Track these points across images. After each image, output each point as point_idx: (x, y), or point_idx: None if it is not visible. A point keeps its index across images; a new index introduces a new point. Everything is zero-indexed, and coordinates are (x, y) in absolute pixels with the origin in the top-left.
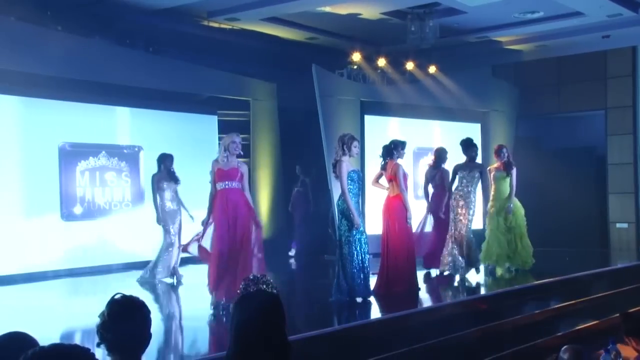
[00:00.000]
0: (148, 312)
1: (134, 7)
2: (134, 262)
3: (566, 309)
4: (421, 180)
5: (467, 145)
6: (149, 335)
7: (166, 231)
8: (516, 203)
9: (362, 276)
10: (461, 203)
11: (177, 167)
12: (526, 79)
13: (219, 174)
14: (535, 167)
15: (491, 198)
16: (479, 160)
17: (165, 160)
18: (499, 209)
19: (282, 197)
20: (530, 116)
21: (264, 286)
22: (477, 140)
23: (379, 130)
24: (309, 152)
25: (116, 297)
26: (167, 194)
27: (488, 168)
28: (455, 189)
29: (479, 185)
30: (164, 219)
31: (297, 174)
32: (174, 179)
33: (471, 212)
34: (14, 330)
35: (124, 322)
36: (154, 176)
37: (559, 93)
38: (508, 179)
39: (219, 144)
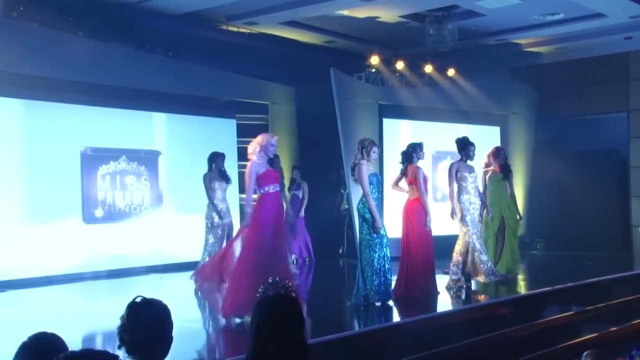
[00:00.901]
0: (168, 315)
1: (153, 12)
2: (155, 265)
3: (588, 314)
4: (439, 183)
5: (464, 144)
6: (170, 339)
7: (212, 232)
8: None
9: (381, 280)
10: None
11: (196, 171)
12: (546, 82)
13: (273, 177)
14: (555, 170)
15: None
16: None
17: (216, 159)
18: (496, 214)
19: None
20: (551, 119)
21: (283, 290)
22: (497, 143)
23: (397, 133)
24: (327, 156)
25: (136, 299)
26: (219, 194)
27: (483, 170)
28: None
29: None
30: (212, 219)
31: (293, 177)
32: (225, 179)
33: (474, 215)
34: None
35: (143, 324)
36: (205, 176)
37: (580, 95)
38: (505, 183)
39: (258, 144)
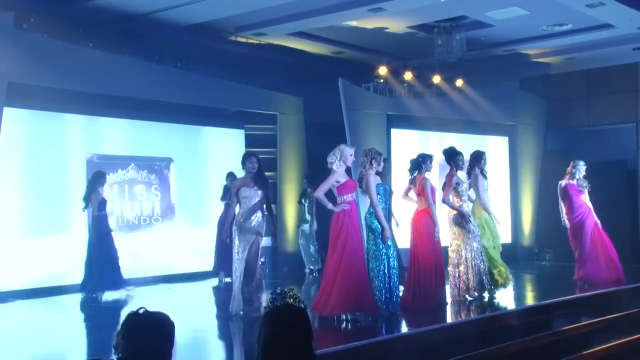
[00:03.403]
0: (168, 327)
1: (162, 23)
2: (163, 275)
3: (598, 325)
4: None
5: (453, 154)
6: (169, 353)
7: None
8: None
9: (388, 291)
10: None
11: (204, 181)
12: (555, 92)
13: (352, 186)
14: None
15: (478, 210)
16: (506, 175)
17: (245, 161)
18: (484, 223)
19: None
20: (559, 129)
21: (291, 300)
22: (505, 154)
23: (406, 143)
24: None
25: (135, 310)
26: (249, 201)
27: (473, 175)
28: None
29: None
30: (236, 234)
31: (228, 186)
32: (260, 184)
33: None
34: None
35: (138, 336)
36: (235, 182)
37: (589, 106)
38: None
39: (336, 154)
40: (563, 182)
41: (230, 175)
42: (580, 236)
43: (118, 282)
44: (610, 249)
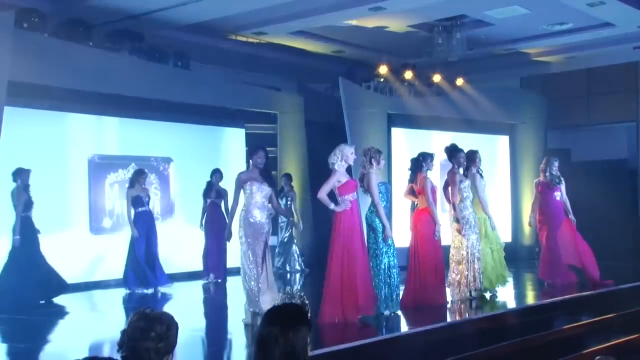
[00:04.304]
0: (173, 328)
1: (163, 22)
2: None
3: (598, 324)
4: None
5: (454, 151)
6: (172, 352)
7: (243, 252)
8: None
9: (388, 289)
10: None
11: (204, 181)
12: (555, 91)
13: (353, 186)
14: (565, 180)
15: (477, 209)
16: (506, 174)
17: (253, 156)
18: (482, 222)
19: (308, 210)
20: (560, 128)
21: (299, 302)
22: (506, 153)
23: (406, 143)
24: None
25: (141, 310)
26: (257, 198)
27: (470, 175)
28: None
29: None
30: (245, 232)
31: (212, 183)
32: (268, 180)
33: (470, 226)
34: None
35: (143, 335)
36: (239, 175)
37: (589, 105)
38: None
39: (337, 154)
40: (535, 180)
41: (216, 172)
42: (546, 235)
43: (162, 278)
44: (582, 252)
